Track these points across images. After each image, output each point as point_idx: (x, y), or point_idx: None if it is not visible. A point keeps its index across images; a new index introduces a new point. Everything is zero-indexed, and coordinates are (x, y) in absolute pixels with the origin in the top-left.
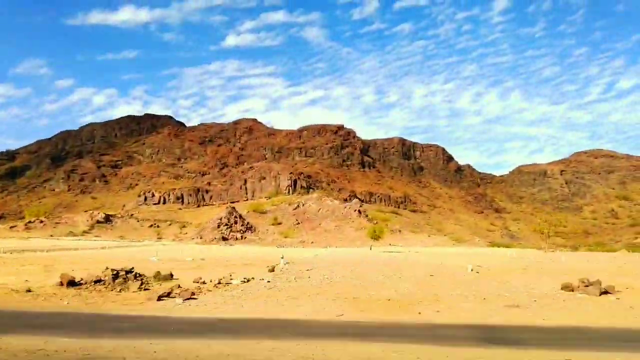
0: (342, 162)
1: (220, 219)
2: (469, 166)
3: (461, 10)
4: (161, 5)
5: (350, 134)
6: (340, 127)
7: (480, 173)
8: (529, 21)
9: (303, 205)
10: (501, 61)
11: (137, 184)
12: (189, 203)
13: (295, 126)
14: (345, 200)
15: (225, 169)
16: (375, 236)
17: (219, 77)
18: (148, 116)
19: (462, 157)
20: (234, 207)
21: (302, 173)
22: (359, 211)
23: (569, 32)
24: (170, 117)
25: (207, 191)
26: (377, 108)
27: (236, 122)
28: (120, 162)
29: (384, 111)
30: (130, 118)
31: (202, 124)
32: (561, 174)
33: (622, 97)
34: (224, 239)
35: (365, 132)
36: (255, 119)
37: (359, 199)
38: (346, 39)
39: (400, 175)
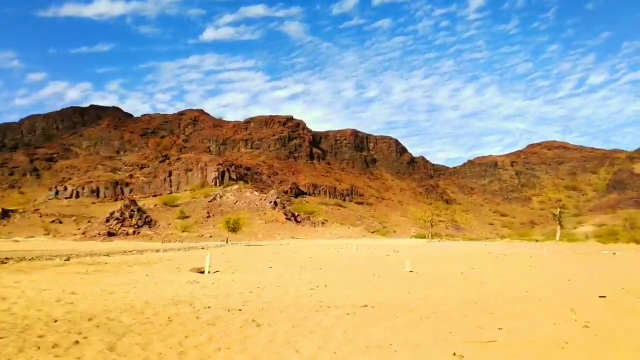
0: (289, 153)
1: (112, 213)
2: (422, 158)
3: (438, 6)
4: None
5: (299, 125)
6: (289, 119)
7: (434, 165)
8: (503, 18)
9: (220, 197)
10: (477, 57)
11: (70, 178)
12: (105, 197)
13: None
14: (286, 192)
15: (166, 162)
16: (230, 228)
17: (197, 71)
18: (93, 107)
19: (440, 152)
20: (133, 201)
21: (233, 164)
22: (275, 202)
23: (541, 29)
24: (117, 109)
25: (127, 184)
26: (357, 103)
27: (181, 113)
28: (56, 155)
29: (364, 106)
30: (73, 110)
31: (146, 115)
32: (512, 165)
33: (592, 92)
34: (111, 234)
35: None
36: (202, 110)
37: (301, 191)
38: (326, 34)
39: (351, 168)
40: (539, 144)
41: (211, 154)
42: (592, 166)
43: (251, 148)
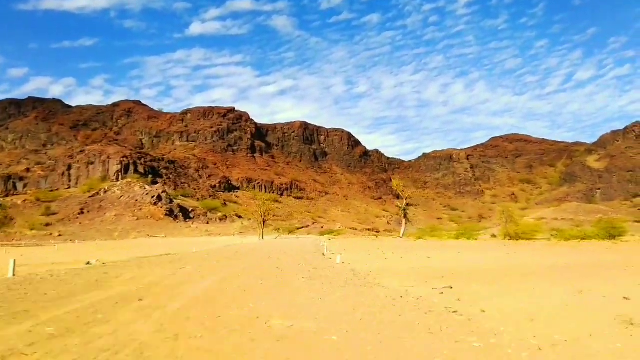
0: (228, 146)
1: None
2: (377, 151)
3: (427, 1)
4: None
5: (242, 117)
6: (231, 110)
7: (389, 159)
8: (492, 14)
9: (105, 192)
10: (466, 52)
11: None
12: None
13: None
14: (214, 186)
15: (67, 156)
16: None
17: (184, 66)
18: (31, 100)
19: (429, 147)
20: None
21: (142, 157)
22: (159, 197)
23: (530, 24)
24: (58, 100)
25: (21, 178)
26: (347, 99)
27: (115, 104)
28: None
29: (354, 102)
30: (10, 101)
31: (78, 107)
32: (467, 159)
33: (580, 88)
34: None
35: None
36: (139, 101)
37: (233, 185)
38: (315, 29)
39: (298, 161)
40: (501, 137)
41: (123, 147)
42: (550, 159)
43: (187, 141)
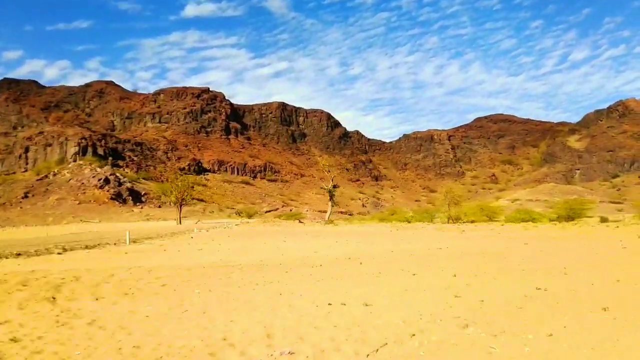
0: (201, 128)
1: None
2: (357, 132)
3: None
4: None
5: (217, 97)
6: (205, 91)
7: (369, 140)
8: None
9: (55, 175)
10: (461, 33)
11: None
12: None
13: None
14: (182, 169)
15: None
16: None
17: (179, 48)
18: (6, 81)
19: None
20: None
21: (103, 139)
22: (107, 180)
23: (524, 4)
24: (33, 82)
25: None
26: (342, 80)
27: (87, 85)
28: None
29: (349, 83)
30: None
31: (50, 87)
32: (449, 140)
33: (575, 69)
34: None
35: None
36: (112, 82)
37: (203, 168)
38: (309, 10)
39: (275, 143)
40: (485, 117)
41: (85, 128)
42: (533, 140)
43: (159, 122)
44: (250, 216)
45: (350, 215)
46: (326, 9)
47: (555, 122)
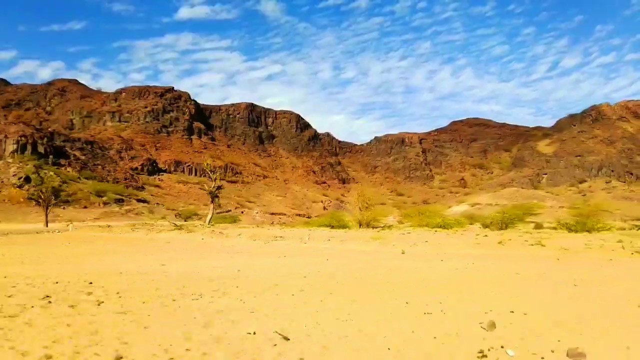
0: (162, 127)
1: None
2: (328, 134)
3: None
4: None
5: (181, 97)
6: (169, 90)
7: (340, 142)
8: (480, 0)
9: None
10: (454, 39)
11: None
12: None
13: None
14: (135, 169)
15: None
16: None
17: (172, 50)
18: None
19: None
20: None
21: (46, 136)
22: (28, 178)
23: (517, 11)
24: (2, 80)
25: None
26: (334, 84)
27: (49, 83)
28: None
29: (341, 87)
30: None
31: (13, 85)
32: (420, 143)
33: (565, 75)
34: None
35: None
36: (75, 80)
37: (159, 168)
38: (303, 14)
39: (241, 144)
40: (460, 121)
41: (29, 125)
42: (506, 144)
43: (118, 121)
44: (186, 219)
45: (308, 218)
46: (320, 13)
47: (531, 126)
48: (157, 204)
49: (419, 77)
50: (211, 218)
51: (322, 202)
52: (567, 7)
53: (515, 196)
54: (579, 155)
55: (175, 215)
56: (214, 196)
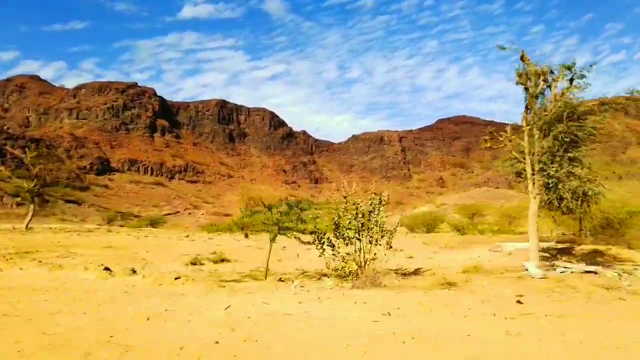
0: (122, 125)
1: None
2: (303, 133)
3: None
4: None
5: (145, 93)
6: (132, 86)
7: (317, 140)
8: None
9: None
10: (461, 38)
11: None
12: None
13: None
14: (83, 168)
15: None
16: None
17: (175, 49)
18: None
19: None
20: None
21: None
22: None
23: (525, 9)
24: None
25: None
26: (339, 84)
27: (8, 80)
28: None
29: (345, 87)
30: None
31: None
32: (400, 141)
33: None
34: None
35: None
36: (36, 76)
37: (111, 167)
38: (307, 13)
39: (209, 142)
40: (447, 119)
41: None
42: (490, 142)
43: (76, 118)
44: (109, 221)
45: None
46: (325, 12)
47: (520, 123)
48: (92, 205)
49: (426, 76)
50: (29, 222)
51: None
52: (577, 5)
53: (483, 196)
54: None
55: (105, 219)
56: (33, 195)
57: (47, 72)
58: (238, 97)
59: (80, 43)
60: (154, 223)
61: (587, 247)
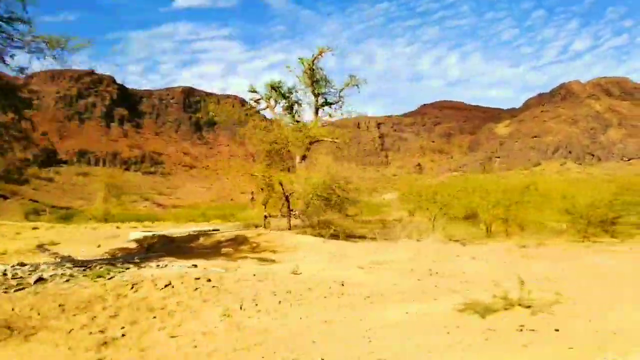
0: (75, 114)
1: None
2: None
3: None
4: None
5: (102, 81)
6: (89, 73)
7: None
8: None
9: None
10: (462, 24)
11: None
12: None
13: None
14: (27, 159)
15: None
16: None
17: (170, 40)
18: None
19: None
20: None
21: None
22: None
23: None
24: None
25: None
26: (340, 72)
27: None
28: None
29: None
30: None
31: None
32: (378, 127)
33: (576, 59)
34: None
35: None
36: None
37: (58, 159)
38: (306, 1)
39: (174, 131)
40: (431, 104)
41: None
42: (472, 127)
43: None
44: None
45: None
46: (324, 0)
47: (504, 108)
48: (23, 199)
49: (426, 64)
50: None
51: (252, 192)
52: None
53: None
54: (536, 136)
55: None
56: None
57: (38, 65)
58: (236, 87)
59: (71, 35)
60: (66, 218)
61: None
